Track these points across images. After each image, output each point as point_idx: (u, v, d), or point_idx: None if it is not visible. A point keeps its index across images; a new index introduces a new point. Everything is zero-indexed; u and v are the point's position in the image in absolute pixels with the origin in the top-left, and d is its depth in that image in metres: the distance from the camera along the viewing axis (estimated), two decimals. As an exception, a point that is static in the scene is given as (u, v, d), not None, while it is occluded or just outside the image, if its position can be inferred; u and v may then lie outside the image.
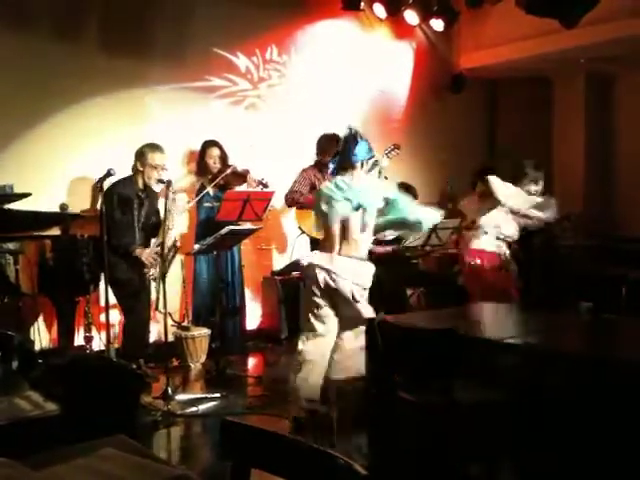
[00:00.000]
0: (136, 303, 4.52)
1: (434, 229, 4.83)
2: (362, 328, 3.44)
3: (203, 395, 4.26)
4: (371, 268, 3.65)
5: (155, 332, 5.02)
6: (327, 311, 3.63)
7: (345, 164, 3.64)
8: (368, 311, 3.57)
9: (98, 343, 4.64)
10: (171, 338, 4.77)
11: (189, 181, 5.45)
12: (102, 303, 4.28)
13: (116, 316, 4.72)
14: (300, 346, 3.64)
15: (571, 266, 5.55)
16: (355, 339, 3.58)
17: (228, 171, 5.08)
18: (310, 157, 5.55)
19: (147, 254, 4.44)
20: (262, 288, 5.90)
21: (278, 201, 5.52)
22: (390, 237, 4.54)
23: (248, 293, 5.62)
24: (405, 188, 5.70)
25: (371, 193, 3.60)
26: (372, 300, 3.76)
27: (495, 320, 3.68)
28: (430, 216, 3.75)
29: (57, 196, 4.78)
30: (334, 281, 3.55)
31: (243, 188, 5.22)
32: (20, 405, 2.37)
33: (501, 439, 2.67)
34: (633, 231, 6.55)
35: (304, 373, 3.59)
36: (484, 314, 3.79)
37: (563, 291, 4.65)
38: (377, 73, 6.75)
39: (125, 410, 2.66)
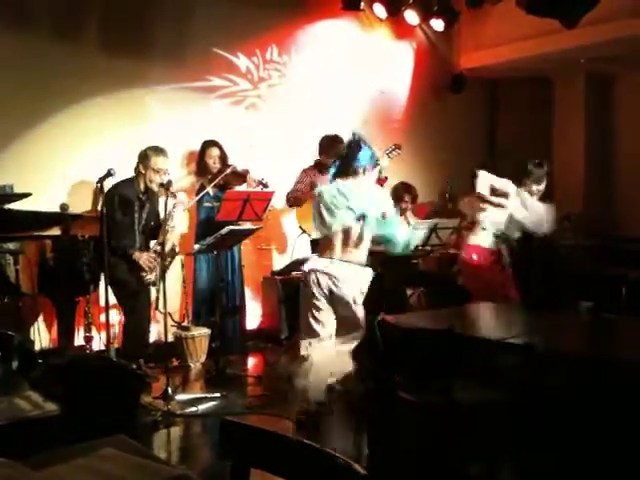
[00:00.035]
0: (136, 303, 4.52)
1: (434, 229, 4.83)
2: (354, 335, 3.58)
3: (203, 395, 4.26)
4: (369, 273, 3.69)
5: (155, 332, 5.02)
6: (328, 314, 3.66)
7: (347, 169, 3.63)
8: (361, 316, 3.62)
9: (98, 343, 4.64)
10: (171, 338, 4.77)
11: (189, 181, 5.45)
12: (102, 303, 4.27)
13: (116, 316, 4.73)
14: (303, 351, 3.66)
15: (571, 266, 5.54)
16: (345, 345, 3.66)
17: (228, 171, 5.08)
18: (310, 157, 5.55)
19: (145, 258, 4.43)
20: (262, 288, 5.90)
21: (278, 201, 5.52)
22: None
23: (248, 293, 5.62)
24: (405, 188, 5.72)
25: (374, 204, 3.61)
26: (372, 300, 3.77)
27: (495, 320, 3.68)
28: (413, 240, 3.83)
29: (57, 196, 4.78)
30: (336, 286, 3.57)
31: (243, 188, 5.22)
32: (20, 405, 2.37)
33: (501, 439, 2.67)
34: (633, 231, 6.55)
35: (310, 377, 3.61)
36: (484, 314, 3.79)
37: (563, 291, 4.64)
38: (377, 73, 6.75)
39: (125, 410, 2.66)
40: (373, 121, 6.63)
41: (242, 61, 5.87)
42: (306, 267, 3.69)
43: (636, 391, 2.34)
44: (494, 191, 4.70)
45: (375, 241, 3.78)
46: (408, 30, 6.87)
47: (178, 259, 5.07)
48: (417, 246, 4.90)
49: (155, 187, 4.50)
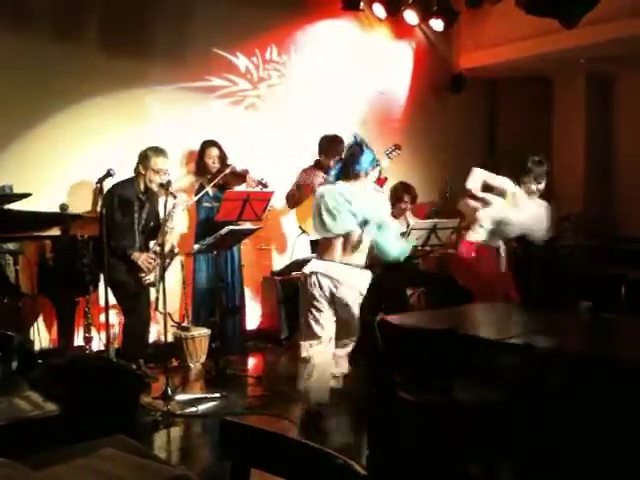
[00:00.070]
0: (136, 304, 4.52)
1: (434, 229, 4.83)
2: (352, 338, 3.66)
3: (203, 395, 4.26)
4: (369, 276, 3.71)
5: (155, 332, 5.01)
6: (328, 317, 3.67)
7: (348, 172, 3.65)
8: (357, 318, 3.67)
9: (98, 343, 4.64)
10: (171, 338, 4.77)
11: (188, 181, 5.45)
12: (102, 303, 4.27)
13: (116, 316, 4.72)
14: (305, 353, 3.67)
15: (571, 266, 5.55)
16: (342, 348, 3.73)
17: (227, 171, 5.08)
18: (309, 157, 5.55)
19: (144, 259, 4.43)
20: (262, 288, 5.90)
21: (278, 201, 5.52)
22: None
23: (248, 293, 5.62)
24: (405, 188, 5.72)
25: (375, 210, 3.64)
26: (372, 300, 3.79)
27: (495, 320, 3.68)
28: (405, 251, 3.84)
29: (57, 196, 4.78)
30: (337, 288, 3.59)
31: (242, 188, 5.22)
32: (20, 405, 2.37)
33: (501, 439, 2.67)
34: (633, 231, 6.55)
35: (313, 378, 3.62)
36: (484, 314, 3.79)
37: (563, 291, 4.64)
38: (377, 73, 6.75)
39: (125, 410, 2.66)
40: (372, 121, 6.63)
41: (242, 61, 5.87)
42: (307, 269, 3.70)
43: (636, 391, 2.34)
44: (490, 189, 4.68)
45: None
46: (407, 30, 6.87)
47: (178, 259, 5.07)
48: (416, 246, 4.90)
49: (155, 187, 4.50)
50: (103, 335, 4.34)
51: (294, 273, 5.21)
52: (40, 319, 4.61)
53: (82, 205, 4.89)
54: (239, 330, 5.36)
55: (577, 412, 2.47)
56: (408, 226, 5.14)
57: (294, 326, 4.84)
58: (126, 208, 4.47)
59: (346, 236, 3.60)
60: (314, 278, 3.62)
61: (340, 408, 3.80)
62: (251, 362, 5.33)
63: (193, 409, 3.96)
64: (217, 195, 5.14)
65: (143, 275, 4.44)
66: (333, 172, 3.77)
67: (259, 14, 5.70)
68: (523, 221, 4.61)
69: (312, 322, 3.65)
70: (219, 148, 5.23)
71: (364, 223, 3.58)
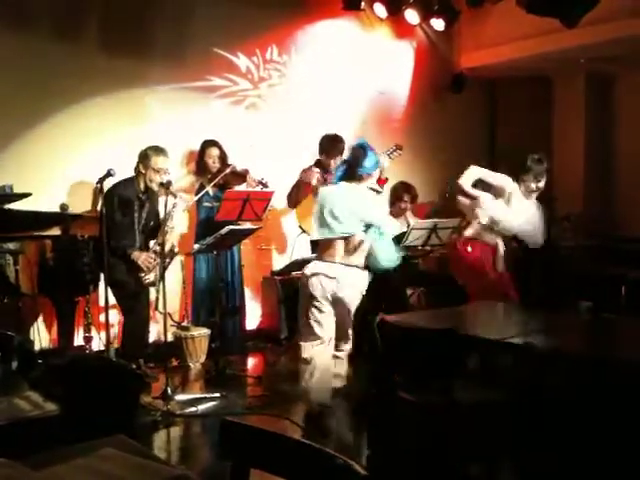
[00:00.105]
0: (135, 303, 4.52)
1: (434, 229, 4.82)
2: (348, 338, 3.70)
3: (203, 395, 4.26)
4: (367, 276, 3.74)
5: (155, 332, 5.01)
6: (329, 317, 3.70)
7: (352, 175, 3.69)
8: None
9: (98, 343, 4.64)
10: (171, 338, 4.77)
11: (188, 181, 5.45)
12: (102, 303, 4.27)
13: (116, 316, 4.72)
14: (306, 354, 3.68)
15: (571, 266, 5.54)
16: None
17: (227, 171, 5.08)
18: (310, 157, 5.55)
19: (144, 258, 4.43)
20: (262, 288, 5.90)
21: (278, 201, 5.52)
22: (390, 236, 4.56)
23: (248, 293, 5.62)
24: (405, 188, 5.72)
25: (373, 211, 3.69)
26: (372, 300, 3.80)
27: (495, 320, 3.68)
28: (394, 261, 3.86)
29: (57, 196, 4.78)
30: (339, 289, 3.61)
31: (242, 188, 5.22)
32: (20, 405, 2.37)
33: (501, 439, 2.67)
34: (633, 231, 6.55)
35: (315, 379, 3.64)
36: (484, 314, 3.79)
37: (563, 291, 4.64)
38: (377, 73, 6.75)
39: (125, 410, 2.66)
40: (373, 121, 6.63)
41: (242, 61, 5.87)
42: (308, 270, 3.71)
43: (636, 391, 2.34)
44: (488, 187, 4.65)
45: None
46: (408, 30, 6.87)
47: (178, 259, 5.07)
48: (417, 246, 4.90)
49: (155, 187, 4.50)
50: (103, 335, 4.34)
51: (294, 273, 5.21)
52: (40, 319, 4.61)
53: (82, 205, 4.89)
54: (239, 330, 5.36)
55: (577, 412, 2.47)
56: (408, 226, 5.14)
57: (294, 326, 4.84)
58: (126, 208, 4.47)
59: (347, 237, 3.62)
60: (315, 279, 3.64)
61: (341, 408, 3.80)
62: (251, 362, 5.33)
63: (193, 409, 3.96)
64: (217, 195, 5.14)
65: (143, 275, 4.44)
66: (338, 173, 3.79)
67: (260, 14, 5.70)
68: (517, 220, 4.58)
69: (313, 322, 3.66)
70: (219, 148, 5.23)
71: (367, 226, 3.62)
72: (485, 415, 2.68)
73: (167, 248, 4.36)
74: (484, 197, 4.60)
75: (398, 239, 4.84)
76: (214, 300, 4.93)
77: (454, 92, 7.19)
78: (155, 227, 4.62)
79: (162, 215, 4.28)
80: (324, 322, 3.66)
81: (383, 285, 4.51)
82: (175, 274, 5.20)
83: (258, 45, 5.94)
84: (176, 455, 3.50)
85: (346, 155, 4.00)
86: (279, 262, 5.89)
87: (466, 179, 4.57)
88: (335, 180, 3.82)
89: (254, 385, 4.64)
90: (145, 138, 4.75)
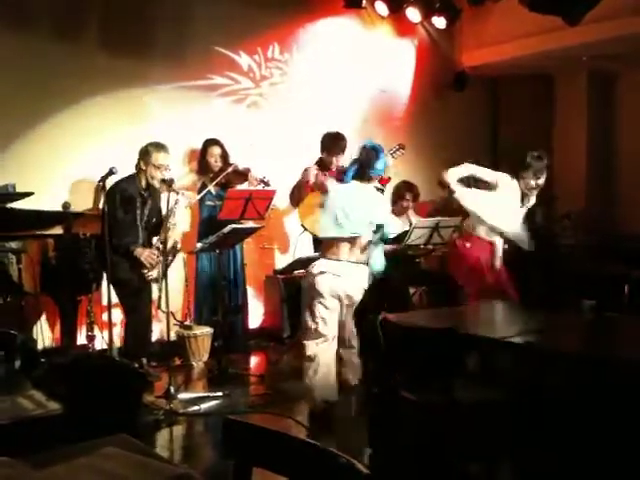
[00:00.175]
0: (138, 302, 4.52)
1: (436, 228, 4.82)
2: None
3: (205, 394, 4.26)
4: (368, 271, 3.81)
5: (157, 331, 5.02)
6: (334, 314, 3.73)
7: (364, 175, 3.74)
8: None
9: (100, 342, 4.65)
10: (173, 337, 4.77)
11: (190, 180, 5.45)
12: (104, 302, 4.28)
13: (118, 315, 4.73)
14: (310, 351, 3.71)
15: (572, 265, 5.53)
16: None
17: (229, 169, 5.08)
18: (312, 155, 5.54)
19: (147, 255, 4.43)
20: (264, 287, 5.90)
21: (280, 200, 5.51)
22: (392, 235, 4.56)
23: (250, 292, 5.62)
24: (407, 186, 5.72)
25: (384, 215, 3.80)
26: (374, 299, 3.82)
27: (496, 319, 3.68)
28: (381, 267, 3.96)
29: (59, 195, 4.78)
30: (347, 287, 3.69)
31: (244, 187, 5.22)
32: (23, 404, 2.38)
33: (501, 438, 2.67)
34: (635, 229, 6.54)
35: (319, 376, 3.66)
36: (485, 313, 3.79)
37: (564, 290, 4.63)
38: (379, 71, 6.74)
39: (127, 409, 2.66)
40: (374, 119, 6.63)
41: (244, 59, 5.87)
42: (315, 269, 3.74)
43: (636, 390, 2.33)
44: (477, 182, 4.58)
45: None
46: (410, 28, 6.86)
47: (180, 258, 5.07)
48: (419, 245, 4.90)
49: (156, 183, 4.51)
50: (106, 334, 4.34)
51: (297, 272, 5.21)
52: (43, 318, 4.62)
53: (84, 204, 4.90)
54: (241, 329, 5.37)
55: (577, 412, 2.47)
56: (410, 224, 5.14)
57: (296, 325, 4.84)
58: (128, 205, 4.47)
59: (355, 238, 3.68)
60: (323, 277, 3.67)
61: (346, 406, 3.82)
62: (253, 361, 5.34)
63: (196, 408, 3.96)
64: (219, 194, 5.14)
65: (146, 271, 4.45)
66: (350, 173, 3.82)
67: (261, 12, 5.69)
68: (506, 221, 4.50)
69: (318, 320, 3.70)
70: (221, 147, 5.24)
71: (378, 228, 3.68)
72: (485, 414, 2.68)
73: (170, 245, 4.37)
74: (465, 193, 4.49)
75: (399, 238, 4.85)
76: (217, 299, 4.94)
77: (456, 90, 7.18)
78: (157, 224, 4.63)
79: (164, 212, 4.28)
80: (329, 320, 3.70)
81: (385, 284, 4.51)
82: (178, 273, 5.20)
83: (259, 43, 5.94)
84: (179, 454, 3.51)
85: (354, 154, 4.04)
86: (281, 261, 5.89)
87: (453, 172, 4.50)
88: (347, 179, 3.85)
89: (257, 384, 4.65)
90: (146, 137, 4.75)
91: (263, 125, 5.87)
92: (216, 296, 4.96)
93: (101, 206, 4.34)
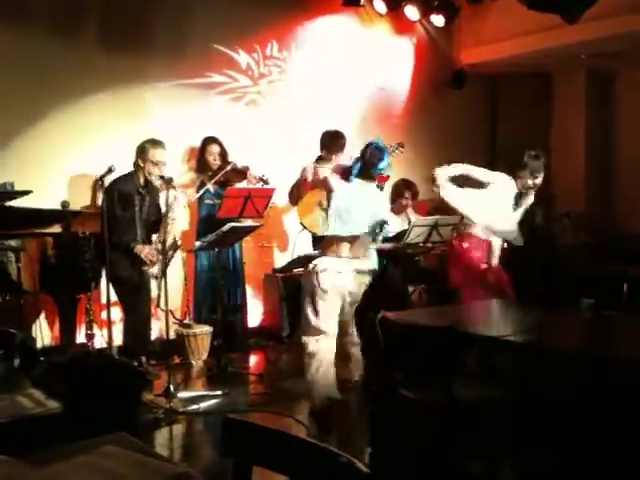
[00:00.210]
0: (137, 300, 4.52)
1: (435, 226, 4.81)
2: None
3: (205, 392, 4.26)
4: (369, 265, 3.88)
5: (157, 329, 5.02)
6: (335, 311, 3.73)
7: (368, 173, 3.78)
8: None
9: (100, 340, 4.64)
10: (173, 335, 4.77)
11: (189, 178, 5.44)
12: (103, 300, 4.28)
13: (118, 313, 4.72)
14: (312, 348, 3.72)
15: (571, 265, 5.52)
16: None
17: (228, 168, 5.08)
18: (310, 153, 5.54)
19: (147, 251, 4.44)
20: (264, 285, 5.90)
21: (279, 198, 5.51)
22: (391, 234, 4.57)
23: (249, 290, 5.62)
24: (406, 184, 5.71)
25: (386, 210, 3.89)
26: (374, 297, 3.83)
27: (496, 317, 3.68)
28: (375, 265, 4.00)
29: (58, 193, 4.78)
30: (350, 284, 3.70)
31: (243, 185, 5.21)
32: (22, 403, 2.38)
33: (502, 437, 2.67)
34: (634, 228, 6.54)
35: (322, 372, 3.68)
36: (485, 311, 3.79)
37: (564, 290, 4.62)
38: (377, 69, 6.74)
39: (127, 407, 2.66)
40: (373, 117, 6.63)
41: (242, 57, 5.86)
42: (319, 266, 3.75)
43: (637, 389, 2.33)
44: (469, 181, 4.55)
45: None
46: (408, 25, 6.86)
47: (179, 256, 5.07)
48: (418, 243, 4.90)
49: (154, 180, 4.51)
50: (105, 332, 4.34)
51: (296, 270, 5.20)
52: (42, 316, 4.62)
53: (83, 202, 4.90)
54: (241, 327, 5.37)
55: (577, 410, 2.47)
56: (409, 223, 5.13)
57: (296, 323, 4.84)
58: (127, 202, 4.48)
59: (358, 236, 3.70)
60: (326, 274, 3.69)
61: (345, 405, 3.82)
62: (253, 359, 5.34)
63: (195, 406, 3.96)
64: (218, 192, 5.14)
65: (146, 268, 4.45)
66: (354, 171, 3.83)
67: (259, 10, 5.69)
68: (499, 221, 4.48)
69: (320, 317, 3.71)
70: (220, 145, 5.23)
71: (382, 225, 3.70)
72: (485, 413, 2.68)
73: (170, 240, 4.36)
74: (451, 190, 4.45)
75: (399, 236, 4.85)
76: (216, 297, 4.94)
77: (454, 88, 7.17)
78: (156, 221, 4.63)
79: (163, 208, 4.28)
80: (330, 317, 3.72)
81: (385, 282, 4.51)
82: (177, 271, 5.20)
83: (258, 41, 5.93)
84: (178, 453, 3.50)
85: (353, 151, 4.05)
86: (281, 259, 5.89)
87: (444, 170, 4.48)
88: (351, 178, 3.86)
89: (256, 383, 4.65)
90: (145, 135, 4.75)
91: (262, 123, 5.86)
92: (215, 295, 4.95)
93: (100, 204, 4.34)
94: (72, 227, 4.48)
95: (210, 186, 5.10)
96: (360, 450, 3.08)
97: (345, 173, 3.85)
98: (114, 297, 4.39)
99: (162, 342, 4.69)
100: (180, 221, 5.06)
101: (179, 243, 4.73)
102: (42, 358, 3.36)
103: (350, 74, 6.47)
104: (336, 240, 3.73)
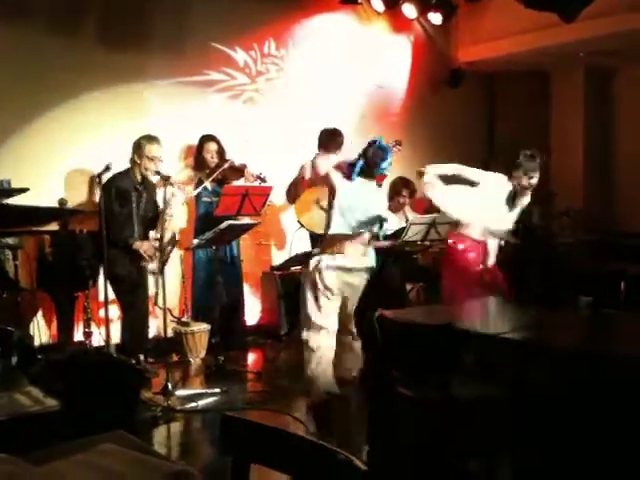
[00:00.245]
0: (134, 298, 4.53)
1: (433, 224, 4.81)
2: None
3: (203, 390, 4.26)
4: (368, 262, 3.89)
5: (155, 327, 5.02)
6: (335, 307, 3.79)
7: (370, 173, 3.80)
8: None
9: (97, 338, 4.64)
10: (170, 333, 4.77)
11: (186, 175, 5.44)
12: (101, 298, 4.27)
13: (115, 311, 4.72)
14: (313, 343, 3.75)
15: (570, 263, 5.53)
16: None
17: (225, 166, 5.08)
18: (308, 151, 5.53)
19: (146, 247, 4.44)
20: (261, 283, 5.90)
21: (277, 196, 5.51)
22: (389, 232, 4.58)
23: (247, 288, 5.62)
24: (403, 182, 5.72)
25: (385, 208, 3.91)
26: (371, 295, 3.85)
27: (493, 315, 3.68)
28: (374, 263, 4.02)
29: (55, 191, 4.77)
30: (350, 281, 3.77)
31: (241, 183, 5.21)
32: (20, 401, 2.38)
33: (499, 435, 2.67)
34: (632, 226, 6.55)
35: (322, 368, 3.70)
36: (482, 309, 3.80)
37: (562, 288, 4.63)
38: (375, 67, 6.73)
39: (125, 405, 2.66)
40: (371, 115, 6.62)
41: (240, 55, 5.86)
42: (321, 264, 3.76)
43: (635, 387, 2.34)
44: (459, 181, 4.52)
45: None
46: (406, 24, 6.85)
47: (177, 254, 5.06)
48: (416, 241, 4.90)
49: (151, 175, 4.52)
50: (103, 330, 4.34)
51: (294, 268, 5.21)
52: (39, 314, 4.61)
53: (80, 200, 4.89)
54: (239, 325, 5.36)
55: (575, 408, 2.48)
56: (407, 221, 5.13)
57: (294, 321, 4.84)
58: (124, 199, 4.48)
59: (359, 234, 3.72)
60: (328, 271, 3.71)
61: (343, 402, 3.83)
62: (251, 357, 5.34)
63: (193, 404, 3.96)
64: (216, 190, 5.13)
65: (145, 263, 4.45)
66: (356, 169, 3.82)
67: (257, 8, 5.68)
68: (467, 215, 4.44)
69: (321, 313, 3.73)
70: (217, 143, 5.23)
71: (382, 223, 3.72)
72: (483, 411, 2.68)
73: (168, 236, 4.37)
74: (435, 187, 4.40)
75: (397, 234, 4.86)
76: (213, 295, 4.93)
77: (452, 86, 7.17)
78: (153, 217, 4.64)
79: (160, 205, 4.29)
80: (331, 313, 3.75)
81: (382, 280, 4.52)
82: (174, 269, 5.20)
83: (256, 39, 5.92)
84: (176, 451, 3.50)
85: (351, 149, 4.06)
86: (278, 257, 5.89)
87: (435, 167, 4.44)
88: (354, 176, 3.86)
89: (254, 380, 4.65)
90: (143, 132, 4.74)
91: (259, 121, 5.86)
92: (213, 293, 4.95)
93: (97, 201, 4.33)
94: (69, 225, 4.48)
95: (208, 184, 5.10)
96: (358, 447, 3.09)
97: (348, 171, 3.83)
98: (112, 295, 4.38)
99: (160, 340, 4.69)
100: (178, 219, 5.05)
101: (177, 238, 4.72)
102: (40, 356, 3.36)
103: (348, 72, 6.46)
104: (337, 238, 3.74)
